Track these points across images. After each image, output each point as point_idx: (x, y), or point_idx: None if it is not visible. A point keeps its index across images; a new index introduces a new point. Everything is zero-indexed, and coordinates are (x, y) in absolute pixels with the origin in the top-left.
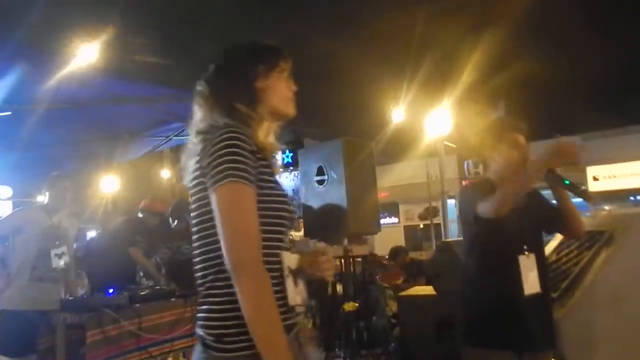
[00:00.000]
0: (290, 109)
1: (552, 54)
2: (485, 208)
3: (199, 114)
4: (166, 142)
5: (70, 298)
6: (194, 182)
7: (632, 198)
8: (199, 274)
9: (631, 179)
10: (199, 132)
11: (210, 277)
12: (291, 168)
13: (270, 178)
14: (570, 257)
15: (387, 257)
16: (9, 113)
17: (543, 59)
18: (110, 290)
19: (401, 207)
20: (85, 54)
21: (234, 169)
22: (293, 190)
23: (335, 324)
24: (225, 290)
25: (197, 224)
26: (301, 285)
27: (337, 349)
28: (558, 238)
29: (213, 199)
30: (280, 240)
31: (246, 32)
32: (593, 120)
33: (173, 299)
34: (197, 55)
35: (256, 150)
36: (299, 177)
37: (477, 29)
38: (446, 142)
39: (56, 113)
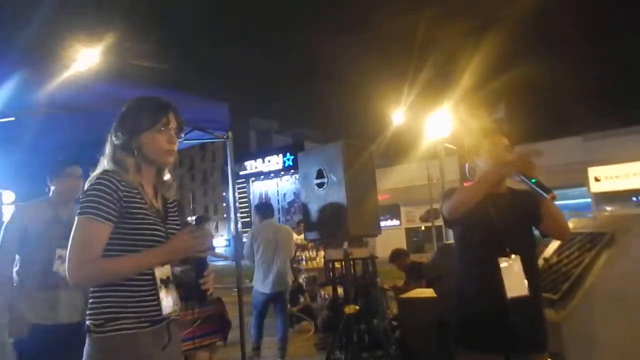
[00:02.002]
0: (165, 160)
1: (553, 56)
2: (444, 208)
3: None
4: None
5: None
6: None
7: (634, 198)
8: None
9: (633, 179)
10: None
11: None
12: (292, 171)
13: (139, 208)
14: (571, 259)
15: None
16: (13, 119)
17: (544, 61)
18: None
19: (402, 210)
20: (86, 58)
21: (90, 207)
22: (294, 193)
23: (337, 326)
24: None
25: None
26: (172, 289)
27: (337, 352)
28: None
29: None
30: None
31: (244, 37)
32: (594, 121)
33: None
34: (195, 59)
35: (127, 189)
36: (299, 180)
37: (478, 33)
38: (447, 144)
39: (57, 117)
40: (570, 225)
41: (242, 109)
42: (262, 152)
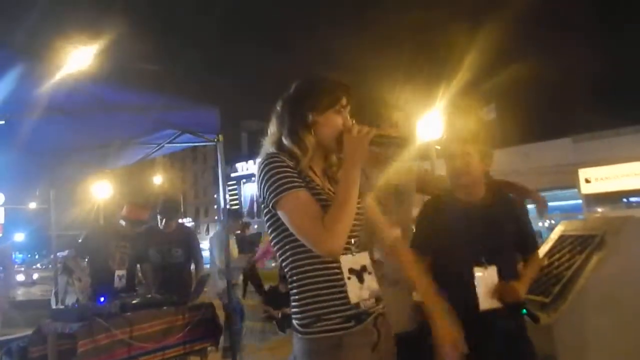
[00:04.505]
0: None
1: (543, 57)
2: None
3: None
4: (158, 149)
5: (61, 307)
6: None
7: (624, 200)
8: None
9: (623, 180)
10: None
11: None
12: None
13: (313, 189)
14: (562, 262)
15: None
16: (2, 122)
17: (535, 62)
18: (102, 299)
19: None
20: (78, 60)
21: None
22: None
23: None
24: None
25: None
26: (369, 280)
27: None
28: (549, 242)
29: None
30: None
31: (235, 38)
32: (584, 122)
33: (165, 308)
34: (190, 63)
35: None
36: None
37: (470, 34)
38: (438, 147)
39: (48, 120)
40: (561, 227)
41: (233, 111)
42: (253, 154)
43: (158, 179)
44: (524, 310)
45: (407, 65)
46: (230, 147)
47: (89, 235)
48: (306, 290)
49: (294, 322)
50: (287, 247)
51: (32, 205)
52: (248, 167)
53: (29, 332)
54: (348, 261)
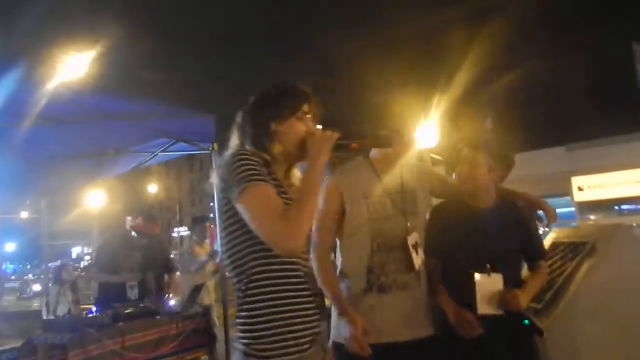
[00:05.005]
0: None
1: (538, 65)
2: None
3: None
4: (152, 157)
5: (52, 317)
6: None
7: (616, 207)
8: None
9: (616, 188)
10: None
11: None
12: None
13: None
14: (554, 268)
15: None
16: None
17: (529, 71)
18: (93, 309)
19: None
20: (72, 68)
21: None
22: None
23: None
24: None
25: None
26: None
27: None
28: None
29: None
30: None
31: (239, 49)
32: (578, 130)
33: (158, 317)
34: (186, 71)
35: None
36: None
37: (465, 41)
38: (433, 155)
39: (41, 128)
40: (553, 235)
41: (229, 119)
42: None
43: (153, 188)
44: (526, 321)
45: (403, 73)
46: (225, 155)
47: (102, 245)
48: (265, 307)
49: (245, 342)
50: (242, 252)
51: (24, 214)
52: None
53: (19, 343)
54: (311, 276)
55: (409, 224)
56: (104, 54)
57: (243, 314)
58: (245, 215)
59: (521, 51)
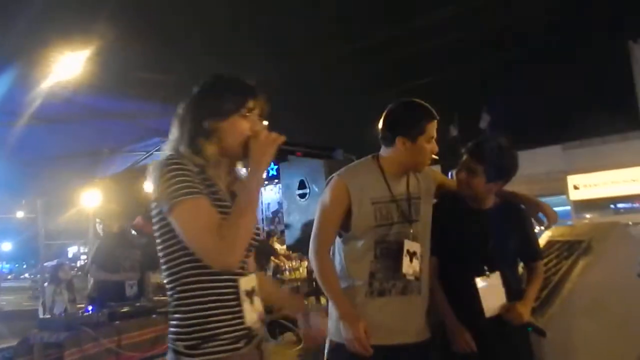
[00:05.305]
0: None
1: (535, 65)
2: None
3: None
4: (147, 157)
5: (48, 316)
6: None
7: (612, 206)
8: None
9: (611, 187)
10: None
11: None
12: (276, 181)
13: (216, 200)
14: (549, 267)
15: None
16: None
17: (526, 70)
18: (90, 308)
19: None
20: (67, 68)
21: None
22: (278, 202)
23: None
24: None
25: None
26: (257, 303)
27: None
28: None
29: None
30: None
31: (236, 48)
32: (573, 129)
33: (154, 316)
34: (182, 70)
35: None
36: (281, 190)
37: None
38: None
39: (35, 128)
40: (549, 233)
41: None
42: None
43: (150, 187)
44: (530, 328)
45: (402, 73)
46: None
47: (102, 244)
48: (195, 310)
49: (177, 343)
50: (176, 261)
51: (20, 214)
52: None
53: (14, 342)
54: (244, 282)
55: (411, 231)
56: (98, 54)
57: (176, 316)
58: (177, 230)
59: (522, 50)
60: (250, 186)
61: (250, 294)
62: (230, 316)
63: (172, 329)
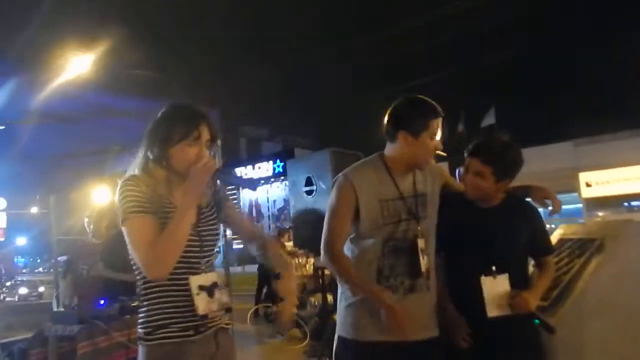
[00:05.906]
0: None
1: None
2: None
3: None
4: None
5: (61, 310)
6: None
7: (625, 204)
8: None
9: (624, 184)
10: None
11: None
12: (282, 178)
13: (166, 213)
14: (560, 266)
15: None
16: (3, 127)
17: (535, 66)
18: (102, 302)
19: None
20: (76, 67)
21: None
22: (284, 199)
23: (326, 333)
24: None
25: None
26: (218, 294)
27: (327, 359)
28: None
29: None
30: (190, 267)
31: (242, 46)
32: (585, 126)
33: None
34: (189, 68)
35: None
36: (288, 187)
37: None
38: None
39: (48, 126)
40: (560, 231)
41: (232, 116)
42: (252, 159)
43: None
44: (537, 321)
45: (405, 71)
46: (228, 152)
47: (110, 242)
48: (153, 303)
49: (139, 330)
50: (136, 265)
51: (34, 210)
52: (247, 172)
53: (30, 334)
54: (197, 280)
55: (419, 228)
56: (106, 53)
57: (141, 309)
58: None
59: (534, 47)
60: (182, 206)
61: (206, 288)
62: (181, 309)
63: (138, 319)
